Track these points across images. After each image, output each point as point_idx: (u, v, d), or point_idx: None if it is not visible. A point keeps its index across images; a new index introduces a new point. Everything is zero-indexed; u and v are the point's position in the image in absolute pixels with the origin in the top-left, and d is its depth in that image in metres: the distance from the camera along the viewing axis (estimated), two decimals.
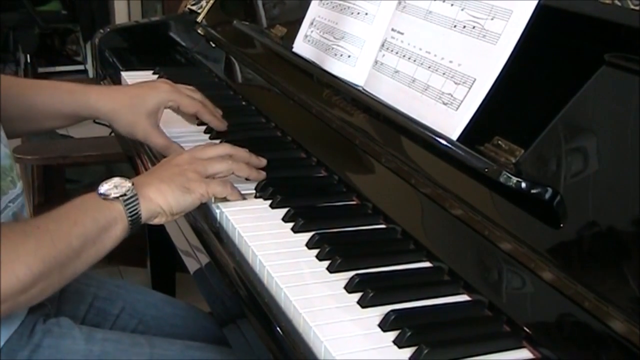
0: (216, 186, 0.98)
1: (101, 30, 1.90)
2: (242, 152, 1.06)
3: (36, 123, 1.18)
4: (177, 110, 1.23)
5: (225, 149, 1.05)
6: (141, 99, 1.18)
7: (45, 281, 0.84)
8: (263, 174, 1.06)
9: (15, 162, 1.01)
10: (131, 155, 1.40)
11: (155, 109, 1.18)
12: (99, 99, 1.17)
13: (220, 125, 1.26)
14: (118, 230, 0.90)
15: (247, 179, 1.05)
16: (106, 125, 1.75)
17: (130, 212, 0.90)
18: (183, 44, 1.90)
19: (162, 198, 0.93)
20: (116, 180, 0.92)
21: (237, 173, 1.03)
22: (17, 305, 0.84)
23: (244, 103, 1.48)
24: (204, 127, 1.32)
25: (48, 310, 1.06)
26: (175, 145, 1.19)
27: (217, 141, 1.25)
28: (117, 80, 1.70)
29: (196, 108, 1.22)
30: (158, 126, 1.20)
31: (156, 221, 0.96)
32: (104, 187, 0.91)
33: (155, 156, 1.24)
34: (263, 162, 1.08)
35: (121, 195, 0.90)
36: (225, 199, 1.01)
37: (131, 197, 0.91)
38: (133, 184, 0.92)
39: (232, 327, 0.93)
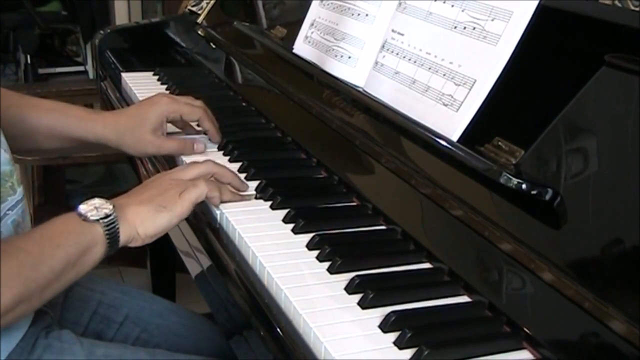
0: (193, 190, 0.96)
1: (101, 31, 1.90)
2: (226, 172, 1.04)
3: (39, 143, 1.18)
4: (179, 120, 1.23)
5: (208, 167, 1.03)
6: (142, 118, 1.18)
7: (26, 304, 0.83)
8: (245, 187, 1.05)
9: (15, 162, 1.01)
10: (131, 156, 1.40)
11: (158, 123, 1.19)
12: (105, 128, 1.18)
13: (217, 137, 1.25)
14: (97, 252, 0.89)
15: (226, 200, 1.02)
16: None
17: (109, 236, 0.89)
18: (183, 44, 1.90)
19: (140, 220, 0.92)
20: (96, 201, 0.91)
21: (219, 177, 1.02)
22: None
23: (244, 104, 1.48)
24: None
25: (50, 320, 1.05)
26: (188, 142, 1.20)
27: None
28: (117, 81, 1.70)
29: (199, 114, 1.22)
30: (166, 135, 1.21)
31: (132, 244, 0.94)
32: (83, 208, 0.89)
33: (155, 157, 1.25)
34: (245, 187, 1.06)
35: (102, 218, 0.89)
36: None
37: (112, 220, 0.89)
38: (114, 207, 0.91)
39: (232, 328, 0.93)
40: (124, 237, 0.91)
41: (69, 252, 0.86)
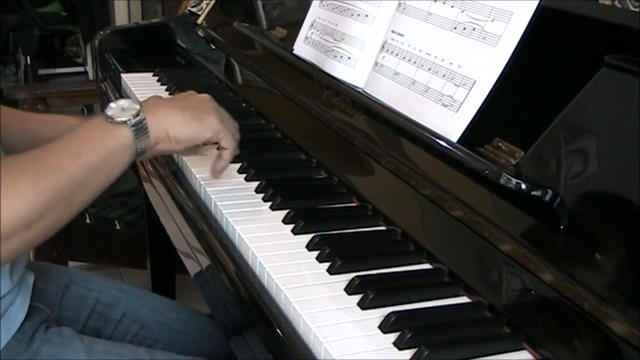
0: (228, 133, 0.98)
1: (101, 32, 1.90)
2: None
3: None
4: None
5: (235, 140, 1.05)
6: None
7: (51, 213, 0.82)
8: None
9: None
10: None
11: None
12: None
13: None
14: (125, 155, 0.89)
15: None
16: None
17: (138, 139, 0.89)
18: (183, 45, 1.90)
19: (171, 124, 0.93)
20: (124, 102, 0.90)
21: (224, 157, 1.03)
22: (26, 241, 0.81)
23: (244, 104, 1.48)
24: None
25: (47, 316, 1.05)
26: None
27: None
28: (117, 82, 1.70)
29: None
30: None
31: (159, 147, 0.94)
32: (110, 110, 0.89)
33: (155, 157, 1.24)
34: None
35: (128, 120, 0.88)
36: (227, 198, 1.01)
37: (140, 122, 0.89)
38: (141, 106, 0.91)
39: (232, 328, 0.93)
40: (152, 137, 0.91)
41: (90, 159, 0.85)
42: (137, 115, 0.89)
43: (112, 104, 0.89)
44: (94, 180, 0.86)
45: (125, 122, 0.88)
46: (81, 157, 0.85)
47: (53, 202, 0.82)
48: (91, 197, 0.88)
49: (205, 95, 1.02)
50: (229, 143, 1.00)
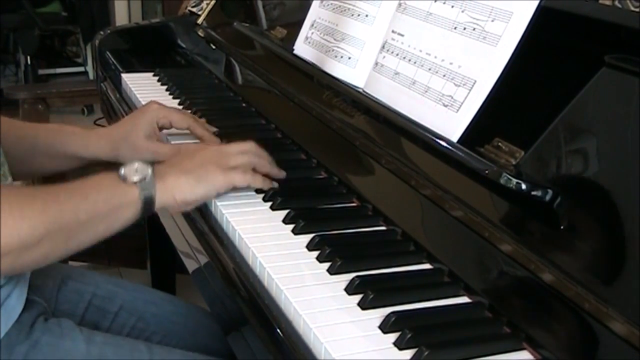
0: (235, 175, 1.00)
1: (101, 32, 1.91)
2: (266, 164, 1.07)
3: (40, 164, 1.18)
4: (169, 127, 1.23)
5: (249, 146, 1.07)
6: (134, 125, 1.20)
7: (48, 244, 0.86)
8: (275, 185, 1.07)
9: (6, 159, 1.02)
10: None
11: (150, 128, 1.20)
12: (99, 140, 1.19)
13: (213, 139, 1.25)
14: (129, 212, 0.93)
15: (259, 187, 1.05)
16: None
17: (145, 199, 0.93)
18: (183, 45, 1.91)
19: (178, 190, 0.96)
20: (138, 165, 0.94)
21: (259, 168, 1.05)
22: (21, 263, 0.85)
23: (244, 104, 1.48)
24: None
25: (44, 309, 1.06)
26: (183, 146, 1.20)
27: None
28: (117, 82, 1.70)
29: (188, 122, 1.23)
30: (159, 140, 1.21)
31: (169, 210, 0.98)
32: (125, 169, 0.93)
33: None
34: (282, 174, 1.08)
35: (140, 181, 0.93)
36: (228, 199, 1.01)
37: (149, 184, 0.93)
38: (153, 171, 0.94)
39: (232, 329, 0.93)
40: (159, 201, 0.94)
41: (97, 206, 0.90)
42: (148, 179, 0.93)
43: (127, 165, 0.94)
44: (95, 226, 0.91)
45: (135, 183, 0.92)
46: (89, 201, 0.90)
47: (53, 234, 0.86)
48: (87, 242, 0.92)
49: (212, 150, 1.04)
50: (242, 182, 1.02)
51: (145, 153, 1.18)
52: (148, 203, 0.93)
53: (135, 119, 1.22)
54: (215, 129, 1.29)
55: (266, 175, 1.06)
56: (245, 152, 1.05)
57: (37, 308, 1.04)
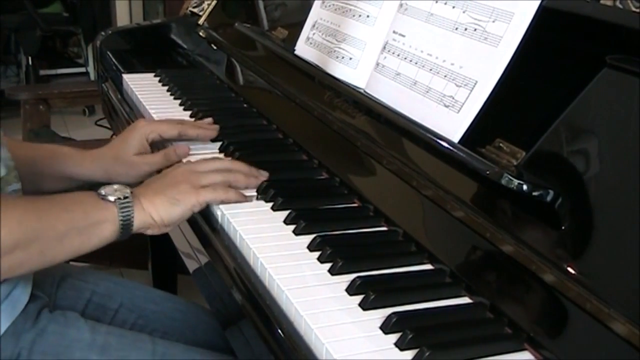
0: (207, 193, 1.00)
1: (103, 33, 1.91)
2: (241, 166, 1.08)
3: (34, 184, 1.18)
4: (160, 140, 1.24)
5: (224, 163, 1.08)
6: (124, 144, 1.22)
7: (24, 252, 0.86)
8: (262, 178, 1.07)
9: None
10: None
11: (140, 146, 1.21)
12: (92, 166, 1.20)
13: (209, 134, 1.27)
14: (107, 230, 0.94)
15: (234, 202, 1.04)
16: (108, 128, 1.76)
17: (123, 217, 0.94)
18: (184, 46, 1.91)
19: (154, 210, 0.97)
20: (117, 186, 0.97)
21: (234, 184, 1.05)
22: None
23: (245, 105, 1.48)
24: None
25: (47, 303, 1.07)
26: (170, 149, 1.21)
27: (219, 143, 1.25)
28: (118, 83, 1.70)
29: (176, 129, 1.24)
30: (153, 156, 1.22)
31: (149, 232, 0.99)
32: (104, 189, 0.95)
33: None
34: (264, 176, 1.09)
35: (118, 199, 0.94)
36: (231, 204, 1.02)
37: (127, 203, 0.95)
38: (131, 192, 0.96)
39: (234, 329, 0.93)
40: (137, 223, 0.96)
41: (75, 219, 0.91)
42: (126, 198, 0.95)
43: (107, 186, 0.96)
44: (71, 239, 0.91)
45: (113, 201, 0.94)
46: (68, 213, 0.92)
47: (29, 241, 0.87)
48: (60, 258, 0.92)
49: (182, 169, 1.04)
50: (215, 199, 1.01)
51: (140, 168, 1.20)
52: (126, 222, 0.94)
53: (124, 138, 1.23)
54: (210, 120, 1.30)
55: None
56: (217, 170, 1.05)
57: (41, 301, 1.05)
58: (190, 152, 1.21)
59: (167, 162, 1.20)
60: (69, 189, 1.21)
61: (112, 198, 0.94)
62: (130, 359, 1.04)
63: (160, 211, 0.97)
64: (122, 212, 0.94)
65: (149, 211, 0.96)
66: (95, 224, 0.93)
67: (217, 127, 1.28)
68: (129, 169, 1.19)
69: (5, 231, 0.84)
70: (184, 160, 1.19)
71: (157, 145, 1.25)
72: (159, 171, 1.17)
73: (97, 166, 1.20)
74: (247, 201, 1.03)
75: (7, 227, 0.84)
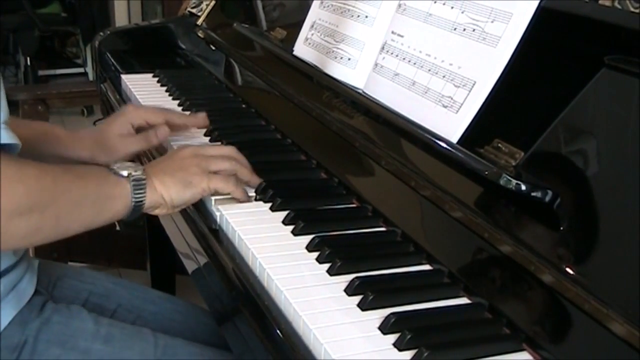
0: (218, 181, 1.01)
1: (101, 33, 1.91)
2: (246, 171, 1.07)
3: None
4: (146, 126, 1.25)
5: (231, 151, 1.08)
6: (109, 127, 1.24)
7: (40, 216, 0.85)
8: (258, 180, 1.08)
9: None
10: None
11: (123, 129, 1.23)
12: (80, 145, 1.22)
13: (195, 121, 1.29)
14: (119, 205, 0.94)
15: (237, 198, 1.05)
16: None
17: (135, 194, 0.94)
18: (183, 46, 1.91)
19: (165, 190, 0.97)
20: (129, 163, 0.97)
21: (240, 175, 1.05)
22: (11, 231, 0.83)
23: (244, 105, 1.48)
24: (203, 131, 1.32)
25: (47, 298, 1.07)
26: (150, 132, 1.22)
27: (218, 143, 1.25)
28: (117, 83, 1.70)
29: (162, 116, 1.26)
30: (134, 137, 1.24)
31: (157, 212, 0.99)
32: (116, 165, 0.96)
33: (154, 156, 1.25)
34: (259, 180, 1.08)
35: (130, 175, 0.94)
36: (227, 200, 1.01)
37: (140, 180, 0.95)
38: (144, 171, 0.96)
39: (232, 329, 0.93)
40: (149, 201, 0.96)
41: (89, 187, 0.91)
42: (140, 176, 0.95)
43: (119, 162, 0.97)
44: (83, 208, 0.91)
45: (126, 176, 0.94)
46: (82, 181, 0.91)
47: (44, 204, 0.86)
48: (73, 229, 0.91)
49: (191, 152, 1.04)
50: (225, 189, 1.02)
51: (119, 149, 1.22)
52: (138, 200, 0.94)
53: (110, 122, 1.25)
54: (203, 114, 1.31)
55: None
56: (228, 157, 1.06)
57: (44, 295, 1.06)
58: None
59: (148, 145, 1.23)
60: None
61: (125, 172, 0.94)
62: (134, 349, 1.04)
63: (171, 192, 0.97)
64: (135, 189, 0.94)
65: (160, 191, 0.97)
66: (108, 198, 0.93)
67: (204, 114, 1.29)
68: (111, 150, 1.21)
69: (22, 189, 0.83)
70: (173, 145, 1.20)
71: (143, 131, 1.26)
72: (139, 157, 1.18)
73: (82, 147, 1.21)
74: (247, 201, 1.04)
75: (24, 185, 0.83)
